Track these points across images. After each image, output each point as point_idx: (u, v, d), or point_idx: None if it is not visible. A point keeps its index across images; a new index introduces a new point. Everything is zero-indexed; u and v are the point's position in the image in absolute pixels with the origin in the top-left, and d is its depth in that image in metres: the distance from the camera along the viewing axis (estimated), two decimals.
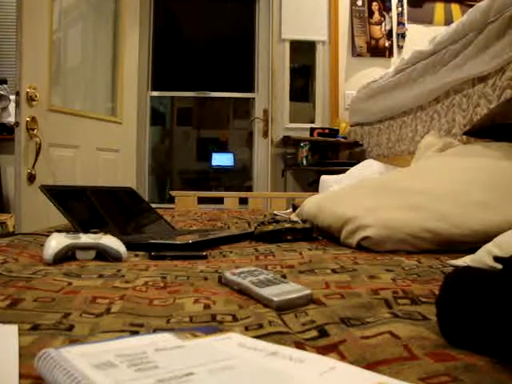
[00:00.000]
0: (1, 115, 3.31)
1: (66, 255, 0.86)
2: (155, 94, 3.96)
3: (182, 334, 0.41)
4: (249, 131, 4.15)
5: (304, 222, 1.26)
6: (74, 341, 0.46)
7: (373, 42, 3.76)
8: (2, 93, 3.28)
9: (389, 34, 3.77)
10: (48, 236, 0.90)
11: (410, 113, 2.49)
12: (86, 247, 0.89)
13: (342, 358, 0.42)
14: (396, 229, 0.98)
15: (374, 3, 3.76)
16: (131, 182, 3.10)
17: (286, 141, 3.65)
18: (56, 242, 0.86)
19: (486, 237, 0.84)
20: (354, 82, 3.67)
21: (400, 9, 3.76)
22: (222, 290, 0.66)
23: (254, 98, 3.95)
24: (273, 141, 3.73)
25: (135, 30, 3.30)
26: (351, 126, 3.53)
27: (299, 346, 0.44)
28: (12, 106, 3.10)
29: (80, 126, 2.70)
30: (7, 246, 1.00)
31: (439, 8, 3.78)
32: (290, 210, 2.10)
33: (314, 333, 0.48)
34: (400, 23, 3.77)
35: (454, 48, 1.93)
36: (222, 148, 6.20)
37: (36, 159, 2.26)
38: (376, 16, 3.77)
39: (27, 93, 2.24)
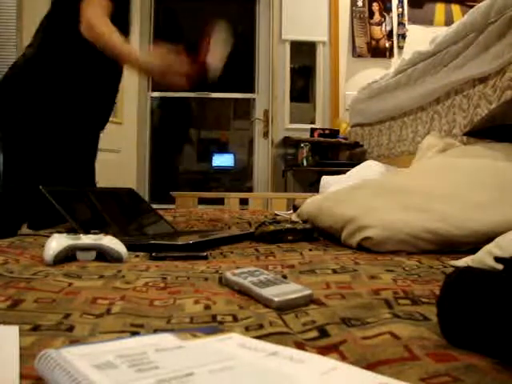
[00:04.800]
0: None
1: (66, 256, 0.86)
2: (155, 94, 3.96)
3: (183, 334, 0.41)
4: (249, 132, 4.15)
5: (305, 222, 1.26)
6: (74, 341, 0.46)
7: (373, 42, 3.76)
8: None
9: (389, 35, 3.78)
10: (49, 237, 0.90)
11: (410, 113, 2.49)
12: (86, 248, 0.89)
13: (343, 358, 0.41)
14: (397, 229, 0.98)
15: (375, 4, 3.77)
16: (131, 182, 3.11)
17: (287, 141, 3.65)
18: (56, 243, 0.86)
19: (487, 237, 0.84)
20: (354, 82, 3.68)
21: (400, 9, 3.76)
22: (222, 291, 0.66)
23: (254, 99, 3.95)
24: (273, 141, 3.74)
25: (135, 30, 3.31)
26: (351, 126, 3.53)
27: (300, 346, 0.44)
28: None
29: None
30: (8, 246, 1.00)
31: (440, 9, 3.78)
32: (291, 210, 2.10)
33: (315, 333, 0.48)
34: (400, 24, 3.77)
35: (454, 49, 1.94)
36: (223, 149, 6.20)
37: None
38: (376, 17, 3.77)
39: None
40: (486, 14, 1.68)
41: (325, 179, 2.58)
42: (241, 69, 4.53)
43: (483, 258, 0.75)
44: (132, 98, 3.27)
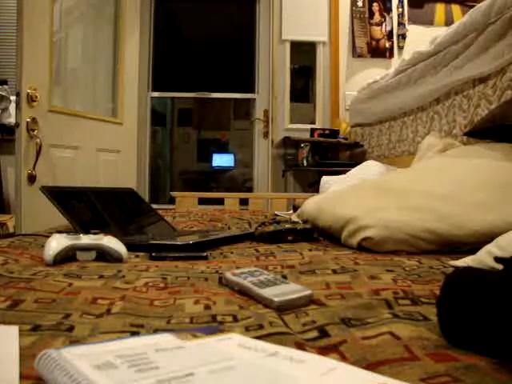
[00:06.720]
0: (1, 116, 3.31)
1: (66, 256, 0.86)
2: (156, 94, 3.96)
3: (183, 334, 0.41)
4: (249, 132, 4.15)
5: (305, 222, 1.26)
6: (74, 341, 0.46)
7: (373, 42, 3.76)
8: (3, 93, 3.28)
9: (389, 35, 3.77)
10: (48, 237, 0.90)
11: (410, 113, 2.49)
12: (86, 248, 0.89)
13: (343, 358, 0.41)
14: (397, 229, 0.98)
15: (375, 4, 3.76)
16: (132, 182, 3.10)
17: (287, 141, 3.65)
18: (56, 243, 0.86)
19: (487, 237, 0.84)
20: (354, 82, 3.67)
21: (400, 10, 3.76)
22: (222, 291, 0.66)
23: (254, 99, 3.95)
24: (273, 141, 3.73)
25: (136, 31, 3.30)
26: (352, 126, 3.53)
27: (300, 346, 0.44)
28: (12, 107, 3.10)
29: (80, 127, 2.70)
30: (8, 246, 1.00)
31: (440, 9, 3.78)
32: (291, 210, 2.10)
33: (315, 333, 0.48)
34: (400, 24, 3.77)
35: (454, 49, 1.94)
36: (223, 149, 6.21)
37: (36, 160, 2.27)
38: (376, 17, 3.77)
39: (27, 93, 2.24)
40: (486, 14, 1.68)
41: (325, 179, 2.58)
42: (241, 69, 4.53)
43: (483, 258, 0.75)
44: (132, 98, 3.27)
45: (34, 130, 2.27)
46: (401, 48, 3.79)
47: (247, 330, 0.49)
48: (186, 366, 0.33)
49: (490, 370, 0.37)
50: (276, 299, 0.57)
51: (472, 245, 0.91)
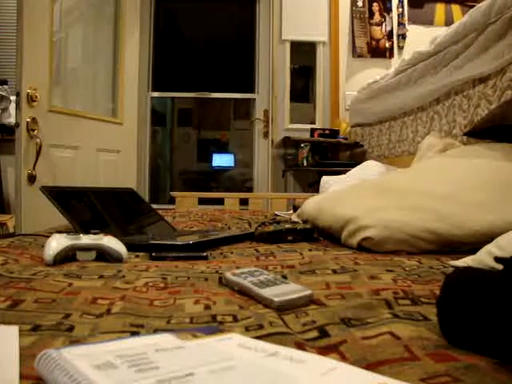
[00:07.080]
0: (1, 116, 3.31)
1: (66, 256, 0.86)
2: (156, 94, 3.96)
3: (183, 334, 0.41)
4: (249, 132, 4.15)
5: (305, 222, 1.26)
6: (74, 341, 0.46)
7: (373, 42, 3.76)
8: (3, 93, 3.28)
9: (389, 35, 3.77)
10: (48, 237, 0.90)
11: (410, 113, 2.49)
12: (86, 248, 0.89)
13: (343, 358, 0.41)
14: (397, 229, 0.98)
15: (375, 4, 3.76)
16: (132, 182, 3.10)
17: (287, 141, 3.65)
18: (56, 243, 0.86)
19: (487, 237, 0.84)
20: (354, 82, 3.67)
21: (400, 10, 3.76)
22: (222, 291, 0.66)
23: (254, 99, 3.95)
24: (273, 141, 3.73)
25: (136, 31, 3.30)
26: (352, 126, 3.53)
27: (300, 346, 0.44)
28: (12, 107, 3.10)
29: (80, 127, 2.70)
30: (8, 246, 1.00)
31: (440, 9, 3.78)
32: (291, 210, 2.10)
33: (315, 333, 0.48)
34: (400, 24, 3.77)
35: (454, 49, 1.94)
36: (223, 149, 6.21)
37: (36, 160, 2.27)
38: (376, 17, 3.77)
39: (27, 93, 2.24)
40: (486, 14, 1.68)
41: (325, 179, 2.58)
42: (241, 69, 4.53)
43: (483, 258, 0.75)
44: (132, 98, 3.27)
45: (34, 130, 2.27)
46: (401, 48, 3.79)
47: (247, 329, 0.49)
48: (185, 366, 0.33)
49: (490, 369, 0.37)
50: (276, 299, 0.57)
51: (472, 245, 0.91)
